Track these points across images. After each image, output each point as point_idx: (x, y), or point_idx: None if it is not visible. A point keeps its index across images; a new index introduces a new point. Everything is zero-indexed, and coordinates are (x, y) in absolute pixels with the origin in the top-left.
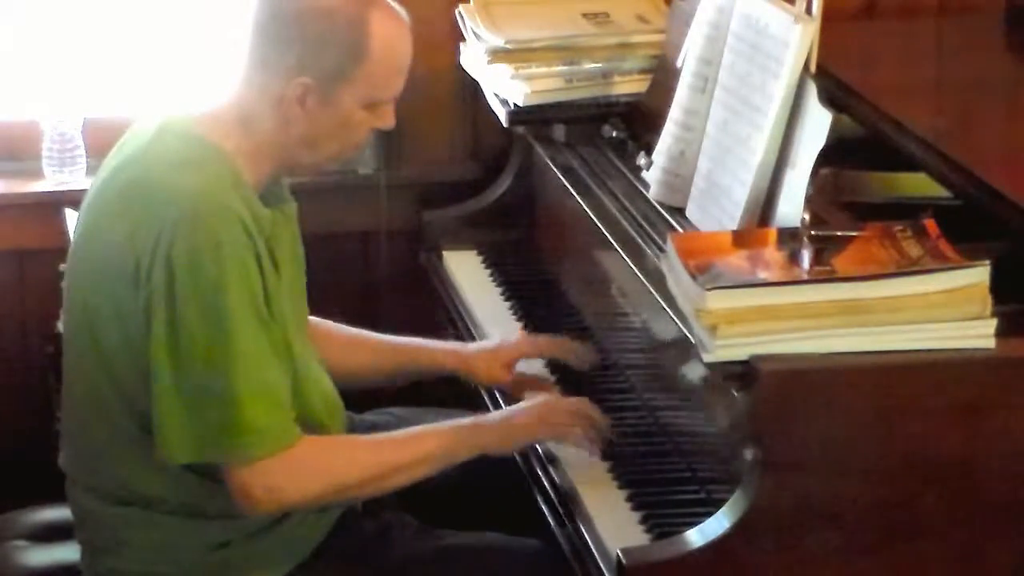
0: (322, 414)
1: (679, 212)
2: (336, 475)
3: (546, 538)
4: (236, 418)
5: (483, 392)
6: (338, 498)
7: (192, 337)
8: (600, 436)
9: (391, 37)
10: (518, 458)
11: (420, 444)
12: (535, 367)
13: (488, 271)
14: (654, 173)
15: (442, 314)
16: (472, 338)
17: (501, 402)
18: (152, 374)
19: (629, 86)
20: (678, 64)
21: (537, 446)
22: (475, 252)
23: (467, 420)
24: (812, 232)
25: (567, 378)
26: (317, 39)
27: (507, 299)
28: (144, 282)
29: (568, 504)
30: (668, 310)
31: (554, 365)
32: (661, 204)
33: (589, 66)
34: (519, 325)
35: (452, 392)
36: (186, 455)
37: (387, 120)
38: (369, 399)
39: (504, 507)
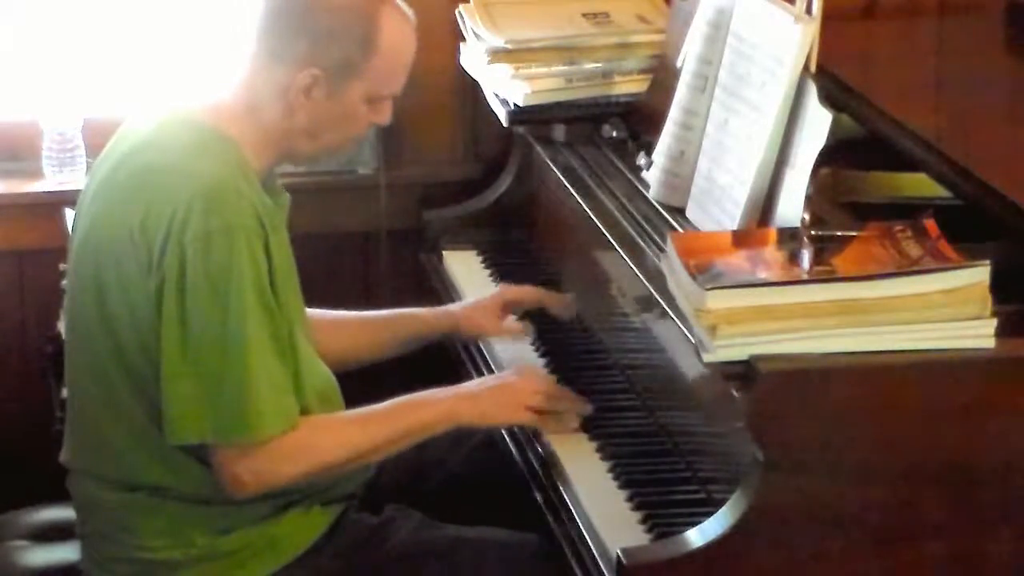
0: (316, 409)
1: (679, 212)
2: (321, 457)
3: (546, 534)
4: (244, 401)
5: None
6: (321, 476)
7: (202, 321)
8: (572, 409)
9: (399, 33)
10: (517, 457)
11: (401, 420)
12: (529, 357)
13: (488, 271)
14: (654, 173)
15: None
16: (472, 339)
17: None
18: (162, 356)
19: (629, 86)
20: (678, 64)
21: (538, 446)
22: (475, 252)
23: (445, 394)
24: (812, 232)
25: (562, 370)
26: (328, 31)
27: None
28: (156, 266)
29: (568, 504)
30: (668, 310)
31: (545, 352)
32: (661, 204)
33: (589, 66)
34: (519, 325)
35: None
36: (192, 436)
37: (384, 116)
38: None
39: (505, 504)
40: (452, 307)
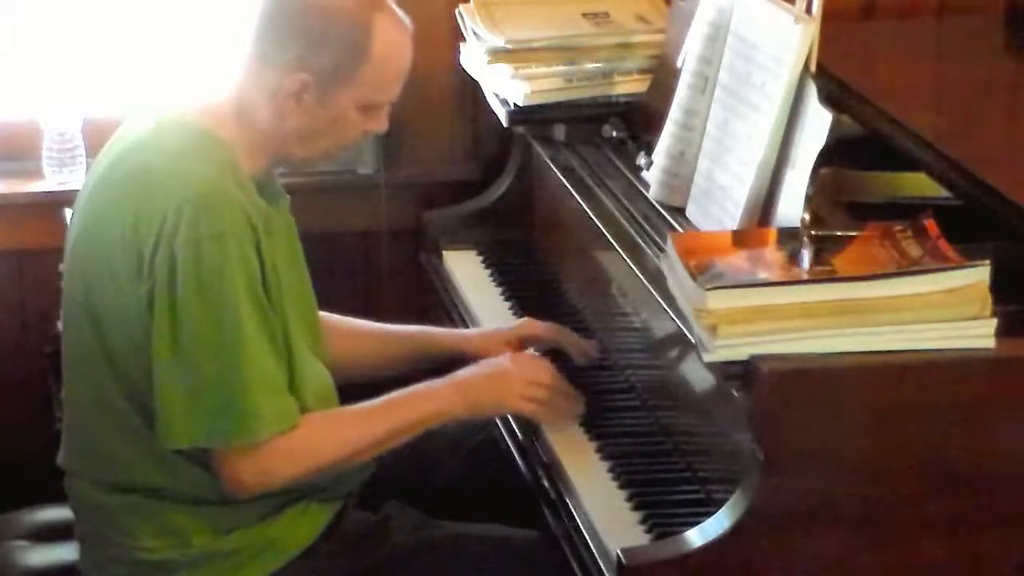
0: (313, 409)
1: (679, 212)
2: (320, 455)
3: (545, 534)
4: (238, 403)
5: None
6: (319, 474)
7: (193, 324)
8: (570, 405)
9: (393, 43)
10: (518, 457)
11: (398, 415)
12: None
13: (488, 271)
14: (654, 173)
15: (442, 314)
16: None
17: None
18: (154, 360)
19: (629, 86)
20: (678, 64)
21: (538, 446)
22: (475, 252)
23: (439, 386)
24: (812, 232)
25: (563, 370)
26: (320, 37)
27: (507, 299)
28: (147, 271)
29: (568, 503)
30: (668, 310)
31: (545, 352)
32: (661, 204)
33: (589, 66)
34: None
35: None
36: (186, 440)
37: (379, 124)
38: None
39: (504, 504)
40: (468, 332)
